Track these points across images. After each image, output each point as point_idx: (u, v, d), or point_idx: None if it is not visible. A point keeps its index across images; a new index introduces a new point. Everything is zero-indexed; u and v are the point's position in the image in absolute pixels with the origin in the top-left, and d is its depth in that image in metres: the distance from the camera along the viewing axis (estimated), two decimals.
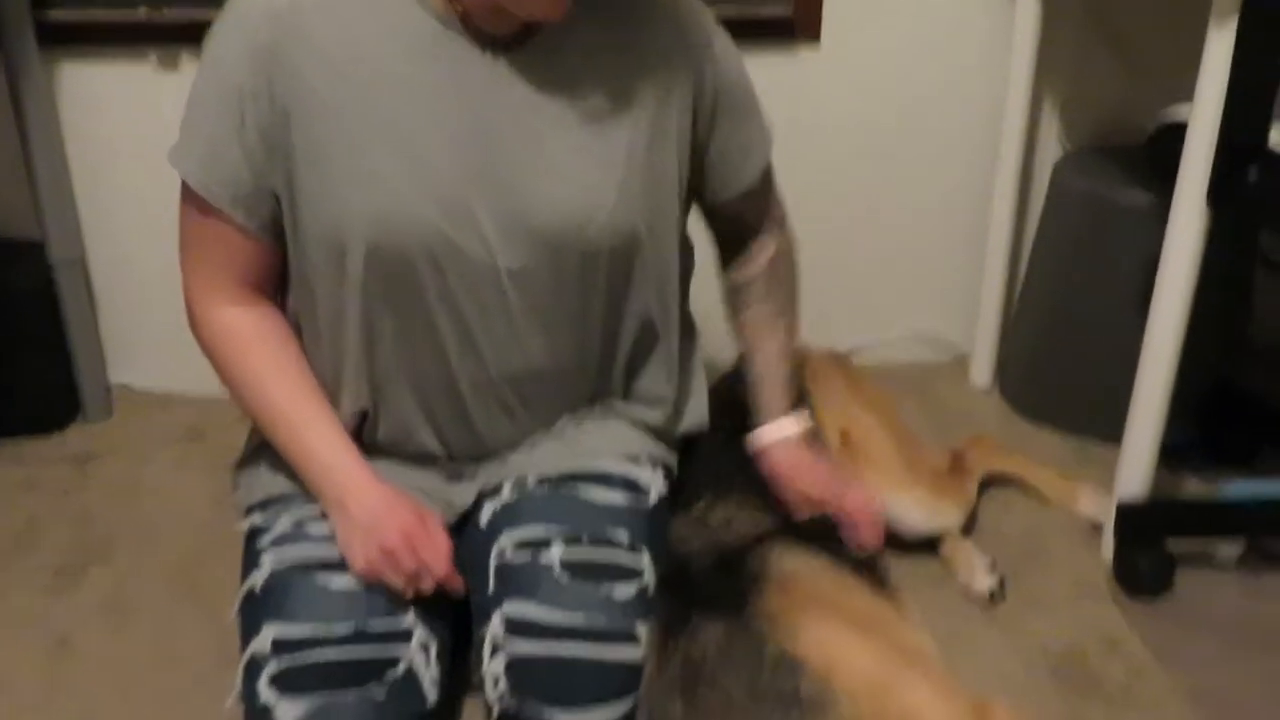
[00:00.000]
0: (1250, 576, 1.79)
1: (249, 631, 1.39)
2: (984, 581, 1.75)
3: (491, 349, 1.42)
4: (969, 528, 1.87)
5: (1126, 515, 1.75)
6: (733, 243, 1.63)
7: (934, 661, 1.43)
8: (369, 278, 1.35)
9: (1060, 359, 2.18)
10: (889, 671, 1.29)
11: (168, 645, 1.65)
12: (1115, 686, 1.57)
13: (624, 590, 1.41)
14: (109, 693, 1.57)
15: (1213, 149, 1.56)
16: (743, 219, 1.60)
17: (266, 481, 1.50)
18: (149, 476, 2.05)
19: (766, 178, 1.59)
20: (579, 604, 1.38)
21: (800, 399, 1.75)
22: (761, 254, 1.61)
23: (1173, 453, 2.08)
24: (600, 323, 1.48)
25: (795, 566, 1.39)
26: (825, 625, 1.31)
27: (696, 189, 1.54)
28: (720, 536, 1.44)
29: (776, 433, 1.56)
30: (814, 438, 1.61)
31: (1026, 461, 2.04)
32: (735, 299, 1.63)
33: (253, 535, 1.48)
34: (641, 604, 1.41)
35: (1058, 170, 2.18)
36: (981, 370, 2.35)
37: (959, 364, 2.40)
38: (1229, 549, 1.81)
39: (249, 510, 1.51)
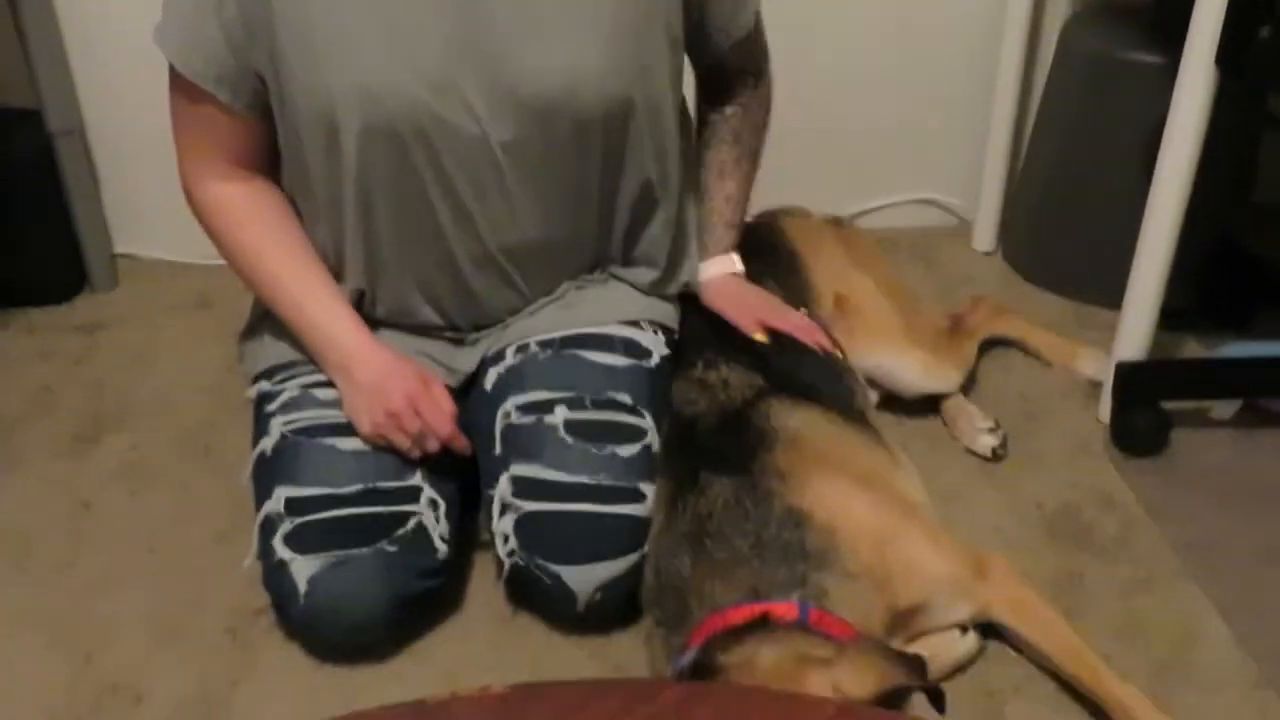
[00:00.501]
0: (1244, 435, 1.81)
1: (262, 494, 1.43)
2: (987, 441, 1.77)
3: (487, 223, 1.42)
4: (968, 388, 1.89)
5: (1125, 375, 1.77)
6: (714, 81, 1.63)
7: (929, 515, 1.47)
8: (363, 158, 1.35)
9: (1064, 222, 2.18)
10: (890, 524, 1.33)
11: (186, 507, 1.69)
12: (1107, 539, 1.62)
13: (627, 450, 1.44)
14: (133, 551, 1.62)
15: (1223, 9, 1.53)
16: (729, 65, 1.60)
17: (271, 350, 1.53)
18: (159, 345, 2.07)
19: (757, 25, 1.58)
20: (583, 464, 1.42)
21: (792, 261, 1.76)
22: (741, 93, 1.63)
23: (1172, 315, 2.09)
24: (597, 190, 1.47)
25: (799, 424, 1.41)
26: (832, 481, 1.34)
27: (690, 46, 1.52)
28: (720, 397, 1.47)
29: (718, 268, 1.65)
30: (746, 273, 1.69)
31: (1027, 323, 2.05)
32: (704, 134, 1.66)
33: (261, 402, 1.51)
34: (645, 462, 1.45)
35: (1065, 30, 2.15)
36: (985, 234, 2.35)
37: (962, 228, 2.40)
38: (1224, 408, 1.83)
39: (256, 378, 1.54)
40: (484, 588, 1.54)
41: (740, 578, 1.25)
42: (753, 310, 1.61)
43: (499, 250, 1.45)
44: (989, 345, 2.00)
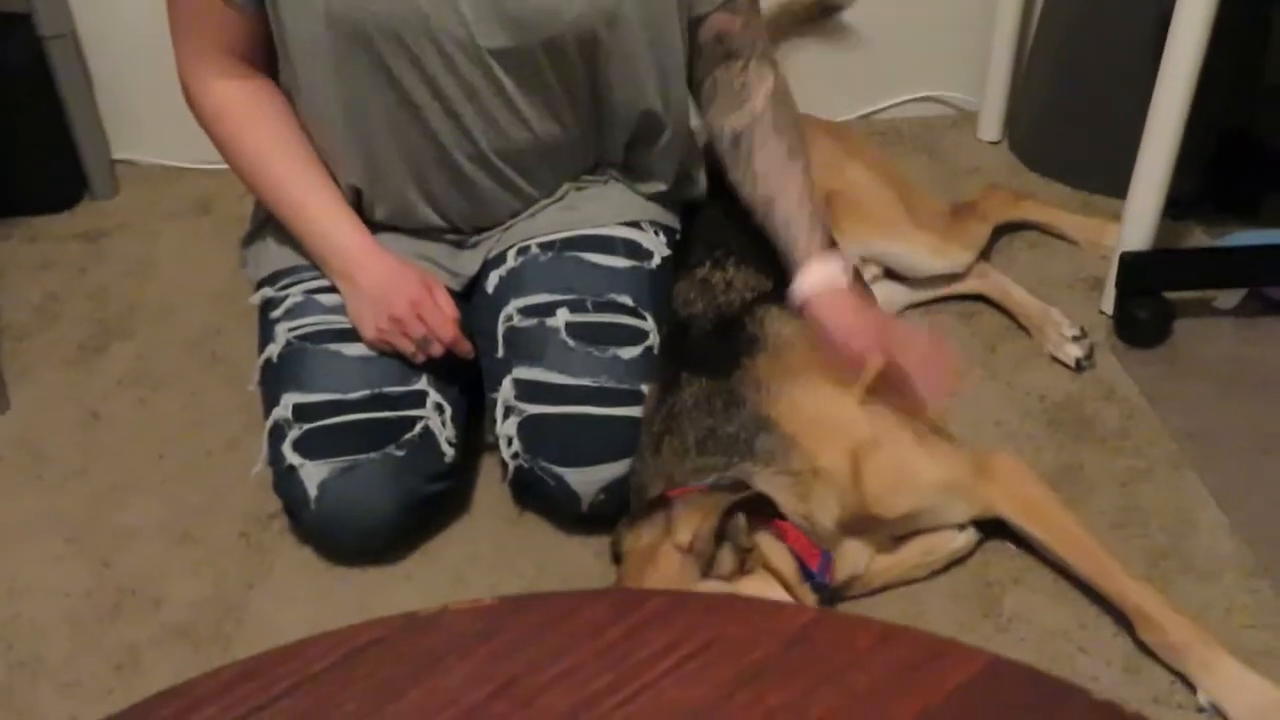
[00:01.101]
0: (1247, 324, 1.81)
1: (270, 401, 1.45)
2: (1072, 350, 1.74)
3: (483, 127, 1.40)
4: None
5: (1128, 266, 1.76)
6: (724, 84, 1.49)
7: (930, 417, 1.47)
8: (347, 51, 1.33)
9: (1071, 111, 2.14)
10: (873, 434, 1.33)
11: (195, 413, 1.71)
12: (1108, 431, 1.63)
13: (629, 351, 1.45)
14: (144, 457, 1.64)
15: None
16: (728, 38, 1.46)
17: (274, 255, 1.53)
18: (161, 251, 2.07)
19: None
20: (585, 367, 1.43)
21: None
22: (760, 87, 1.47)
23: (1179, 204, 2.08)
24: (591, 99, 1.45)
25: (793, 332, 1.41)
26: (809, 391, 1.34)
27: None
28: (719, 299, 1.47)
29: (814, 282, 1.39)
30: (858, 280, 1.46)
31: (1046, 206, 2.04)
32: (740, 147, 1.47)
33: (265, 308, 1.52)
34: (647, 364, 1.46)
35: None
36: (990, 124, 2.31)
37: (967, 118, 2.36)
38: (1228, 298, 1.83)
39: (260, 284, 1.54)
40: (490, 490, 1.56)
41: (680, 469, 1.28)
42: (860, 340, 1.34)
43: (495, 152, 1.44)
44: (1000, 233, 1.99)
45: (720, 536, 1.14)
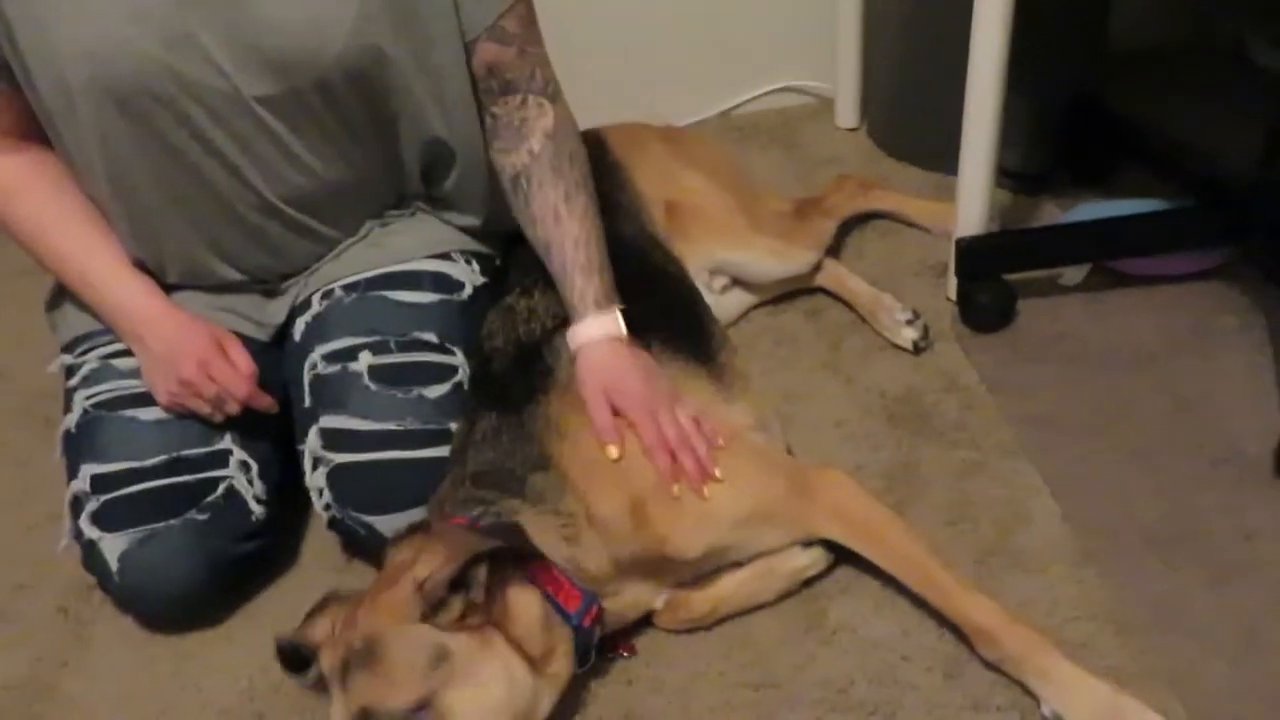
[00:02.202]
0: (1093, 299, 1.79)
1: (70, 472, 1.41)
2: (908, 334, 1.73)
3: (263, 176, 1.37)
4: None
5: (965, 250, 1.74)
6: (503, 120, 1.43)
7: (753, 437, 1.43)
8: (103, 121, 1.29)
9: (916, 93, 2.11)
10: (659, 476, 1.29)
11: (23, 483, 1.68)
12: (946, 423, 1.61)
13: (436, 390, 1.42)
14: None
15: None
16: (501, 69, 1.40)
17: (73, 320, 1.49)
18: None
19: (522, 19, 1.40)
20: (390, 411, 1.40)
21: (615, 174, 1.69)
22: (538, 125, 1.41)
23: (1032, 177, 2.06)
24: (378, 139, 1.42)
25: None
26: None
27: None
28: (519, 329, 1.43)
29: (584, 334, 1.36)
30: (629, 340, 1.38)
31: (899, 194, 2.01)
32: (518, 188, 1.42)
33: (67, 375, 1.48)
34: (457, 401, 1.43)
35: None
36: (847, 110, 2.29)
37: (827, 108, 2.34)
38: (1073, 274, 1.81)
39: (62, 350, 1.50)
40: (320, 537, 1.53)
41: (453, 499, 1.27)
42: (614, 398, 1.31)
43: (281, 199, 1.40)
44: (854, 224, 1.97)
45: (457, 584, 1.12)
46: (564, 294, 1.39)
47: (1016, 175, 2.03)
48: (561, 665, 1.20)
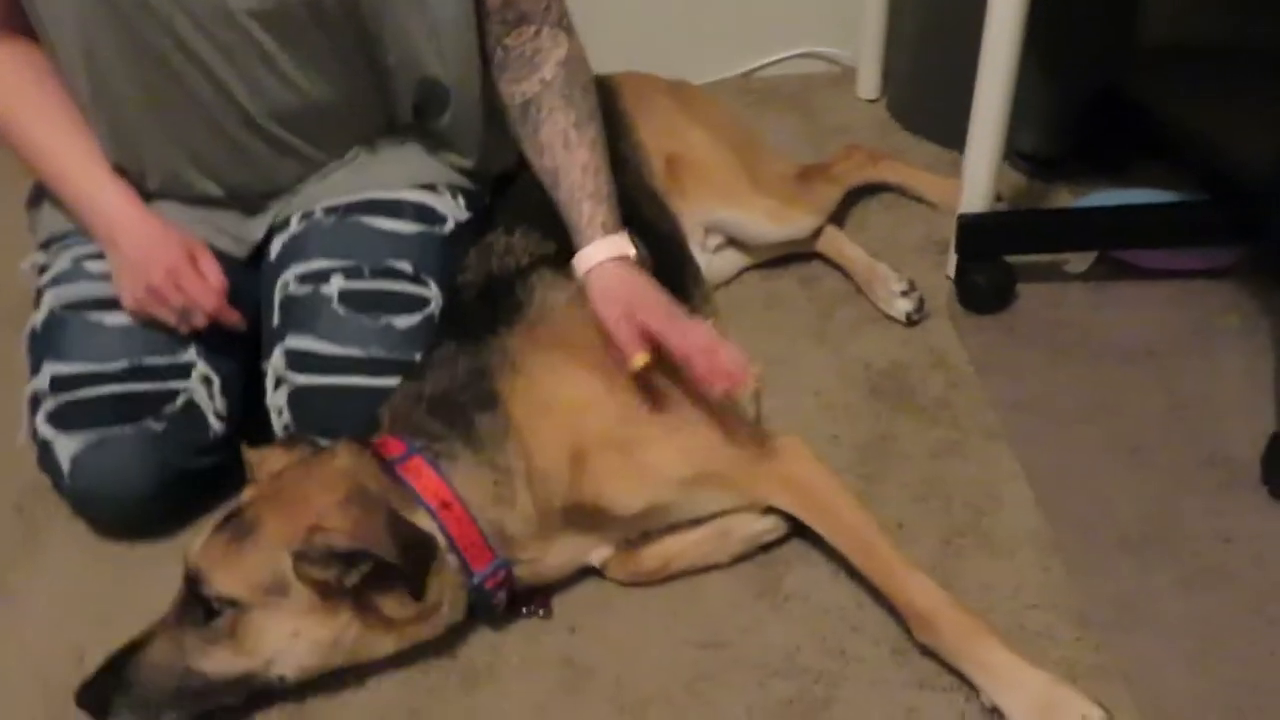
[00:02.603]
0: (1095, 289, 1.74)
1: (32, 369, 1.40)
2: (902, 305, 1.69)
3: (247, 90, 1.34)
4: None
5: (966, 229, 1.69)
6: (514, 51, 1.39)
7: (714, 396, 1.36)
8: (85, 15, 1.26)
9: (940, 67, 2.06)
10: (620, 419, 1.26)
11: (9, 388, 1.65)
12: (930, 400, 1.57)
13: (405, 320, 1.40)
14: None
15: None
16: (518, 3, 1.38)
17: (49, 220, 1.47)
18: None
19: None
20: (356, 336, 1.38)
21: (621, 121, 1.66)
22: (552, 54, 1.38)
23: (1050, 163, 2.01)
24: (368, 66, 1.39)
25: (560, 301, 1.35)
26: (552, 374, 1.28)
27: None
28: (492, 264, 1.40)
29: (594, 256, 1.31)
30: (643, 262, 1.37)
31: (907, 167, 1.97)
32: (528, 116, 1.38)
33: (40, 274, 1.46)
34: (426, 332, 1.40)
35: None
36: (869, 82, 2.24)
37: (848, 76, 2.29)
38: (1078, 261, 1.76)
39: (38, 248, 1.49)
40: None
41: (407, 419, 1.26)
42: (637, 312, 1.25)
43: (268, 116, 1.38)
44: (860, 195, 1.93)
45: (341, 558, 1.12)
46: (570, 220, 1.34)
47: (1032, 158, 1.98)
48: (435, 620, 1.22)
